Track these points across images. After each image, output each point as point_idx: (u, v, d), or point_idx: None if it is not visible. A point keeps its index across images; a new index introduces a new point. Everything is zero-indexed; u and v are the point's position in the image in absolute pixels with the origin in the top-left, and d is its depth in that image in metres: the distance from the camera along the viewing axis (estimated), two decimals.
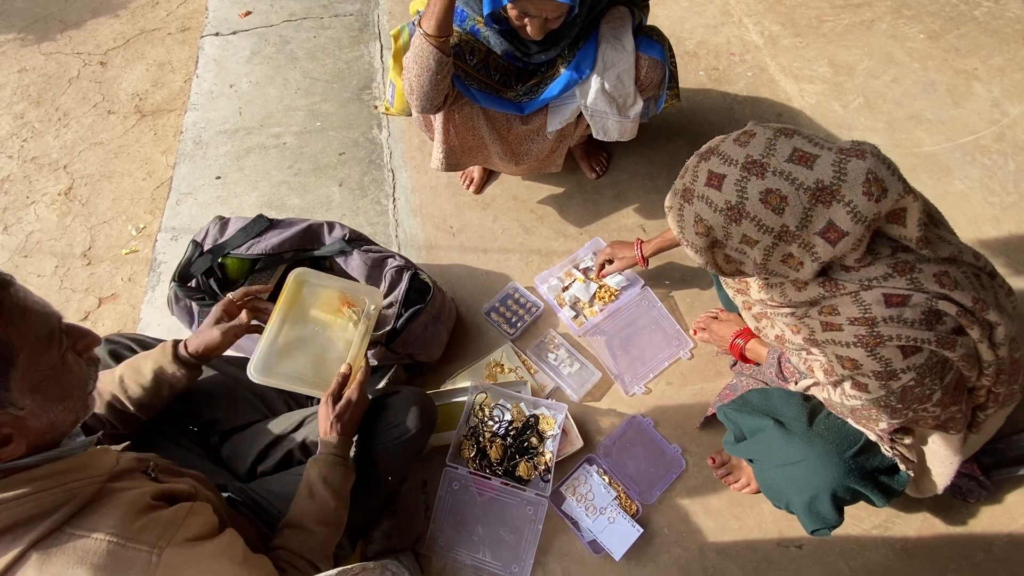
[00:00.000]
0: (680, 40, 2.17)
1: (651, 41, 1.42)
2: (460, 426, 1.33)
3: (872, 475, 0.93)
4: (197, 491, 0.82)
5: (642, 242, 1.43)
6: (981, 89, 1.99)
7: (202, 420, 1.20)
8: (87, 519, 0.63)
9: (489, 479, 1.26)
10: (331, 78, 2.17)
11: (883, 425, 0.85)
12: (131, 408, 1.00)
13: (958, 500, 1.26)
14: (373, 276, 1.33)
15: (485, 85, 1.37)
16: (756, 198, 0.71)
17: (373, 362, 1.32)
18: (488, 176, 1.82)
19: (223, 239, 1.36)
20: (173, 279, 1.31)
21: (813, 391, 0.95)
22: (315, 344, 1.11)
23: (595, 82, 1.39)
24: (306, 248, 1.38)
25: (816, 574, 1.21)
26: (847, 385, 0.82)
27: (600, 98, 1.40)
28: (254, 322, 1.08)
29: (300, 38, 2.31)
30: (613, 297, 1.57)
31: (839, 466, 0.90)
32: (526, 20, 1.20)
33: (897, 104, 1.97)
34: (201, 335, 1.03)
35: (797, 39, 2.17)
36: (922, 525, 1.25)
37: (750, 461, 1.12)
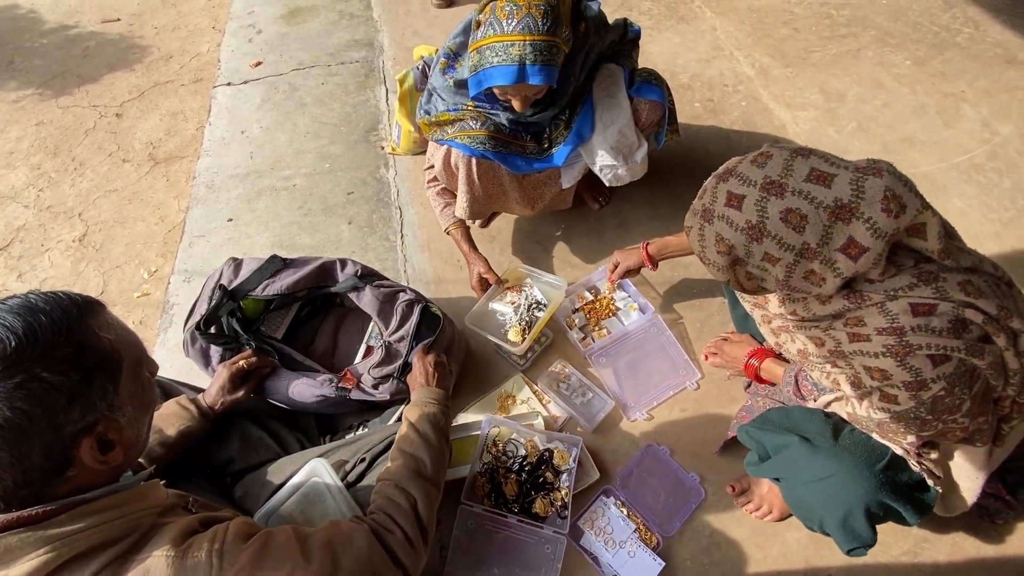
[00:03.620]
0: (674, 74, 2.25)
1: (650, 85, 1.48)
2: (474, 462, 1.31)
3: (904, 489, 0.91)
4: (236, 516, 0.83)
5: (647, 243, 1.45)
6: (970, 111, 2.05)
7: (215, 461, 1.20)
8: (145, 546, 0.66)
9: (505, 517, 1.24)
10: (339, 122, 2.25)
11: (911, 439, 0.84)
12: (149, 461, 1.03)
13: (986, 522, 1.23)
14: (385, 310, 1.35)
15: (498, 142, 1.41)
16: (776, 217, 0.73)
17: (384, 396, 1.32)
18: (490, 215, 1.85)
19: (238, 280, 1.38)
20: (197, 326, 1.32)
21: (835, 407, 0.94)
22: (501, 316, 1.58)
23: (599, 142, 1.45)
24: (320, 286, 1.40)
25: None
26: (875, 397, 0.82)
27: (606, 154, 1.46)
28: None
29: (309, 85, 2.41)
30: (610, 312, 1.58)
31: (870, 480, 0.89)
32: (509, 97, 1.28)
33: (890, 127, 2.02)
34: (227, 397, 1.20)
35: (787, 69, 2.25)
36: (952, 550, 1.22)
37: (776, 480, 1.10)
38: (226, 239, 1.91)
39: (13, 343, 0.58)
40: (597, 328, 1.58)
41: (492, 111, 1.40)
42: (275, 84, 2.43)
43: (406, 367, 1.30)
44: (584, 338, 1.56)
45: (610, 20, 1.48)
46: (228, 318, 1.35)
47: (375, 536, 0.84)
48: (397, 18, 2.66)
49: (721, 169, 0.82)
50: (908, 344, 0.74)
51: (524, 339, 1.47)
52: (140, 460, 0.99)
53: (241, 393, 1.21)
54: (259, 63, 2.52)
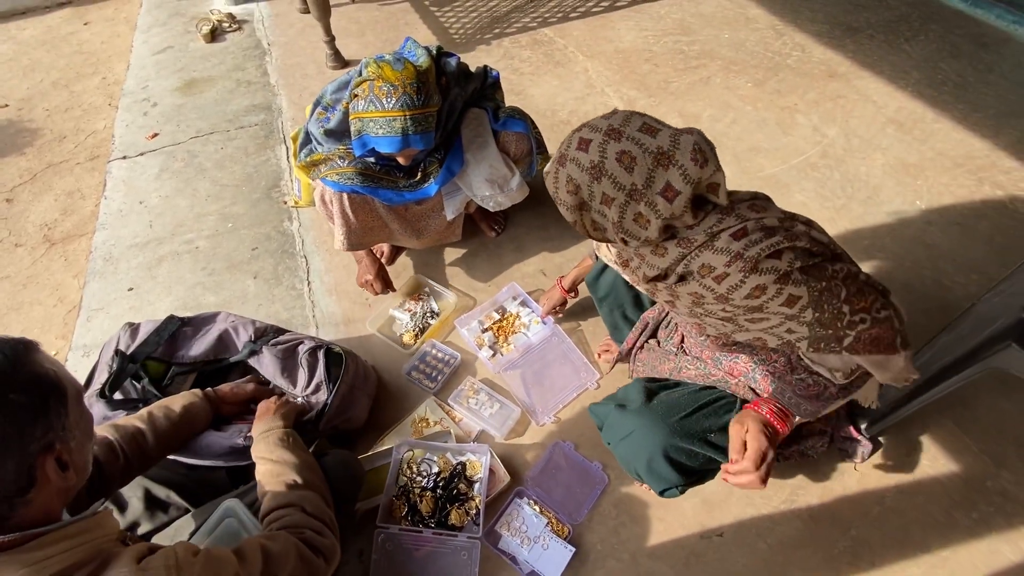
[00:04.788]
0: (555, 111, 2.49)
1: (514, 119, 1.67)
2: (389, 486, 1.36)
3: (702, 434, 1.08)
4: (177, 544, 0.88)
5: (560, 278, 1.61)
6: (803, 119, 2.40)
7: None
8: (108, 568, 0.72)
9: (420, 532, 1.29)
10: (240, 182, 2.31)
11: (835, 361, 0.95)
12: (150, 440, 1.12)
13: (849, 463, 1.41)
14: (288, 367, 1.37)
15: (366, 177, 1.54)
16: (613, 157, 0.88)
17: None
18: (397, 249, 1.96)
19: (135, 343, 1.39)
20: (101, 392, 1.31)
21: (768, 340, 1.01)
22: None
23: (473, 175, 1.63)
24: (220, 359, 1.44)
25: (740, 557, 1.29)
26: (775, 321, 0.93)
27: (483, 186, 1.63)
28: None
29: (208, 151, 2.46)
30: (516, 328, 1.73)
31: (663, 429, 1.06)
32: (395, 156, 1.46)
33: (739, 140, 2.32)
34: (232, 386, 1.33)
35: (651, 99, 2.55)
36: (823, 492, 1.38)
37: (608, 444, 1.25)
38: (127, 308, 1.89)
39: None
40: (505, 344, 1.69)
41: (366, 157, 1.52)
42: (173, 153, 2.46)
43: (325, 408, 1.33)
44: (494, 355, 1.66)
45: (484, 68, 1.68)
46: (134, 381, 1.35)
47: (291, 535, 0.93)
48: (294, 81, 2.79)
49: (580, 124, 0.98)
50: (751, 258, 0.89)
51: (416, 341, 1.71)
52: (121, 444, 1.08)
53: (252, 387, 1.34)
54: (155, 135, 2.55)
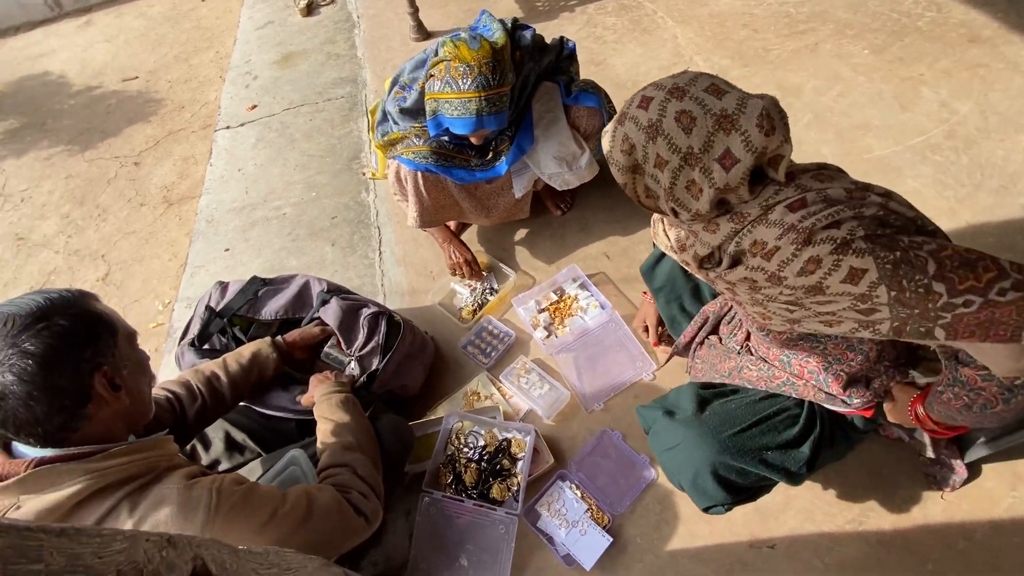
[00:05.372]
0: (637, 82, 2.35)
1: (587, 94, 1.60)
2: (437, 453, 1.42)
3: (757, 452, 0.97)
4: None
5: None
6: (928, 92, 2.08)
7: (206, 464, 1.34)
8: (161, 481, 0.83)
9: (462, 501, 1.33)
10: (325, 153, 2.44)
11: (939, 334, 0.75)
12: (224, 382, 1.25)
13: (935, 490, 1.26)
14: (349, 323, 1.47)
15: (440, 156, 1.55)
16: (672, 116, 0.82)
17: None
18: (462, 225, 1.98)
19: (224, 301, 1.54)
20: (192, 342, 1.48)
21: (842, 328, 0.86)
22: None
23: (542, 152, 1.59)
24: (297, 316, 1.55)
25: (790, 572, 1.21)
26: (845, 306, 0.79)
27: (551, 163, 1.59)
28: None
29: (298, 122, 2.62)
30: (574, 311, 1.69)
31: (712, 445, 0.97)
32: (468, 136, 1.45)
33: (845, 115, 2.06)
34: (300, 330, 1.44)
35: (745, 69, 2.32)
36: (897, 518, 1.24)
37: (654, 450, 1.18)
38: (223, 267, 2.10)
39: (40, 303, 0.78)
40: (561, 326, 1.68)
41: (440, 136, 1.53)
42: (268, 124, 2.65)
43: (374, 374, 1.41)
44: (548, 336, 1.65)
45: (560, 39, 1.63)
46: (219, 336, 1.51)
47: (338, 493, 1.00)
48: (378, 54, 2.86)
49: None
50: (804, 228, 0.79)
51: (473, 316, 1.74)
52: (199, 386, 1.23)
53: (318, 331, 1.46)
54: (254, 106, 2.76)
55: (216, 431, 1.38)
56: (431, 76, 1.40)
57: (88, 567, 0.38)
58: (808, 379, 1.10)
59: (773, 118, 0.80)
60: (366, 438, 1.17)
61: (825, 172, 0.88)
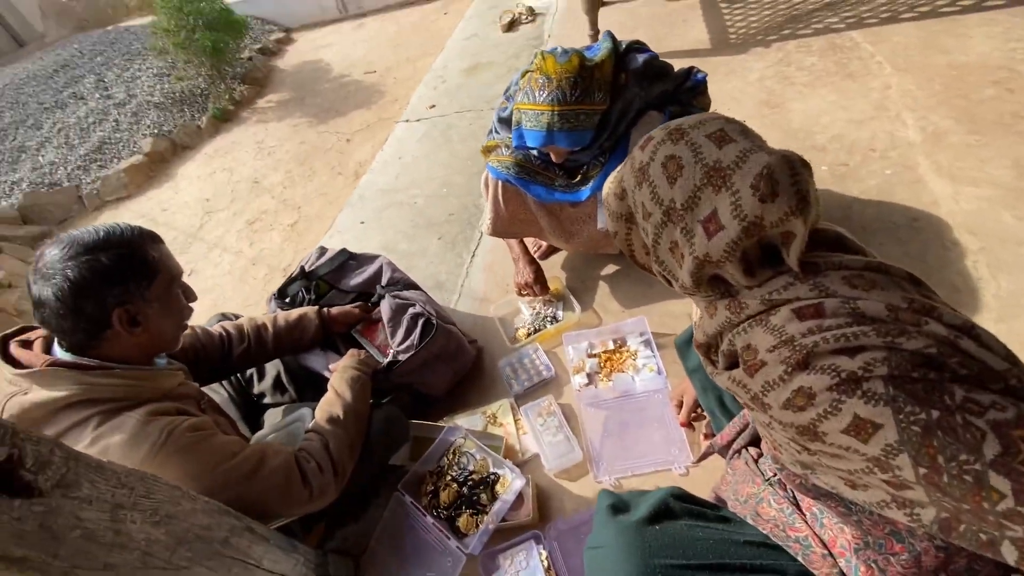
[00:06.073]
0: (810, 134, 1.99)
1: None
2: (427, 460, 1.41)
3: None
4: (206, 417, 1.07)
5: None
6: None
7: (255, 392, 1.56)
8: (132, 410, 0.91)
9: (425, 517, 1.30)
10: (469, 156, 2.61)
11: (1006, 551, 0.50)
12: (270, 333, 1.41)
13: None
14: (396, 317, 1.54)
15: (523, 169, 1.54)
16: (659, 161, 0.69)
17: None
18: (552, 247, 1.93)
19: (316, 264, 1.77)
20: (277, 292, 1.75)
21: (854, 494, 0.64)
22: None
23: None
24: (368, 292, 1.71)
25: None
26: (860, 467, 0.58)
27: None
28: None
29: (460, 125, 2.85)
30: (626, 367, 1.51)
31: (635, 567, 0.74)
32: (547, 151, 1.41)
33: None
34: (342, 309, 1.56)
35: (973, 136, 1.78)
36: None
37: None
38: (353, 236, 2.40)
39: (97, 237, 0.91)
40: (606, 379, 1.52)
41: (527, 149, 1.52)
42: (437, 123, 2.94)
43: (392, 364, 1.47)
44: (588, 384, 1.51)
45: (688, 69, 1.48)
46: (303, 291, 1.74)
47: (295, 461, 1.05)
48: None
49: None
50: (803, 346, 0.58)
51: (524, 339, 1.69)
52: (249, 332, 1.38)
53: (358, 311, 1.60)
54: (433, 106, 3.09)
55: (271, 369, 1.60)
56: (520, 87, 1.39)
57: None
58: (839, 553, 0.80)
59: (777, 181, 0.61)
60: (354, 419, 1.21)
61: (869, 275, 0.63)
